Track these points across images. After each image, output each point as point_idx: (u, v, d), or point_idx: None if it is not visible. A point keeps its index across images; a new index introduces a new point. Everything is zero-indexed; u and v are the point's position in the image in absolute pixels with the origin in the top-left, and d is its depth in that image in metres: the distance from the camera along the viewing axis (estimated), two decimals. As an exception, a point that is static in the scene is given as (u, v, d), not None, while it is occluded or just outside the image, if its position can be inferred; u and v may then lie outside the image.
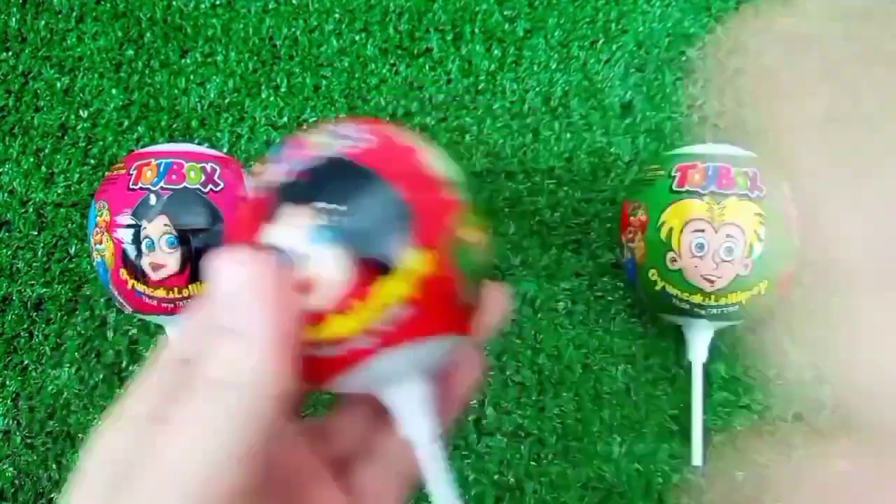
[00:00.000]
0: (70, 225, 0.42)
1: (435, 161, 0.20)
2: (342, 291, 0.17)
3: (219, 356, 0.17)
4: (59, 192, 0.42)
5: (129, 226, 0.33)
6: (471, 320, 0.20)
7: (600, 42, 0.45)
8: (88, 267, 0.41)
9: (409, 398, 0.20)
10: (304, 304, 0.18)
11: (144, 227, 0.33)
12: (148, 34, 0.45)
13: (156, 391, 0.18)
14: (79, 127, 0.43)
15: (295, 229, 0.18)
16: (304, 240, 0.17)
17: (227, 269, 0.17)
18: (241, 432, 0.16)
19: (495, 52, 0.45)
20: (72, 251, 0.41)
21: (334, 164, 0.18)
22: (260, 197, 0.19)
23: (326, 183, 0.18)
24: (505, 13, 0.46)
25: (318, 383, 0.19)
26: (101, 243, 0.34)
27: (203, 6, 0.46)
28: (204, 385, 0.16)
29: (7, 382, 0.39)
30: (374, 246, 0.17)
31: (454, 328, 0.19)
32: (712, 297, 0.34)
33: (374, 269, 0.17)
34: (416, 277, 0.18)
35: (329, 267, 0.17)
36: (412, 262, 0.18)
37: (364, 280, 0.17)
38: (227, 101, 0.44)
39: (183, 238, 0.33)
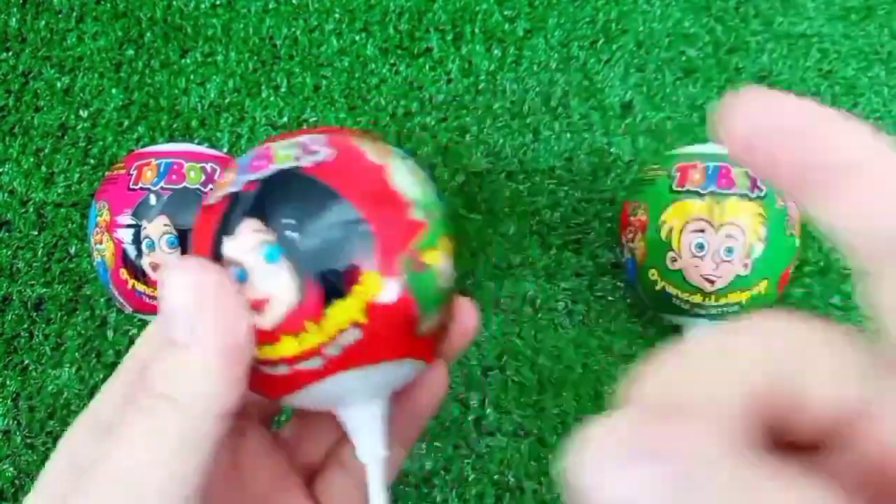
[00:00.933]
0: (70, 225, 0.42)
1: (402, 179, 0.19)
2: (293, 311, 0.17)
3: (162, 369, 0.16)
4: (59, 192, 0.42)
5: (129, 226, 0.33)
6: (432, 346, 0.19)
7: (600, 42, 0.45)
8: (88, 267, 0.41)
9: (360, 418, 0.19)
10: (255, 321, 0.17)
11: (144, 227, 0.33)
12: (148, 34, 0.45)
13: (116, 396, 0.17)
14: (79, 127, 0.43)
15: (249, 244, 0.17)
16: (258, 256, 0.17)
17: (177, 280, 0.17)
18: (182, 449, 0.16)
19: (495, 52, 0.45)
20: (72, 251, 0.41)
21: (293, 178, 0.18)
22: (219, 206, 0.18)
23: (284, 198, 0.17)
24: (505, 13, 0.46)
25: (270, 398, 0.19)
26: (101, 243, 0.34)
27: (203, 6, 0.46)
28: (144, 398, 0.16)
29: (7, 382, 0.39)
30: (328, 267, 0.17)
31: (410, 353, 0.18)
32: (712, 297, 0.34)
33: (326, 290, 0.17)
34: (371, 302, 0.17)
35: (281, 285, 0.17)
36: (367, 285, 0.17)
37: (316, 301, 0.17)
38: (227, 101, 0.44)
39: (183, 238, 0.33)
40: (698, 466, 0.09)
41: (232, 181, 0.18)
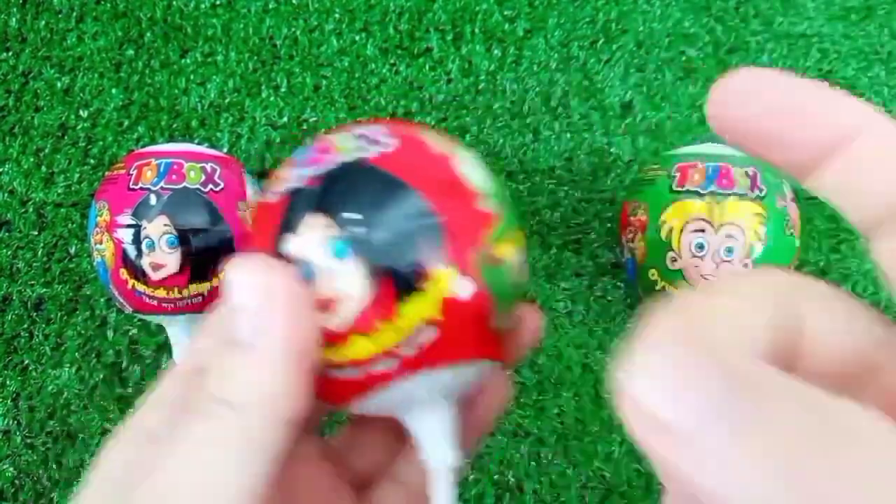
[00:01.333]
0: (70, 225, 0.42)
1: (470, 169, 0.18)
2: (363, 310, 0.16)
3: (227, 372, 0.15)
4: (59, 192, 0.42)
5: (129, 226, 0.33)
6: (504, 345, 0.18)
7: (600, 42, 0.45)
8: (88, 267, 0.41)
9: (430, 423, 0.18)
10: (324, 321, 0.16)
11: (144, 227, 0.33)
12: (148, 34, 0.45)
13: (164, 404, 0.16)
14: (79, 127, 0.43)
15: (316, 240, 0.16)
16: (326, 252, 0.16)
17: (244, 278, 0.16)
18: (244, 457, 0.15)
19: (495, 52, 0.45)
20: (72, 251, 0.41)
21: (360, 170, 0.17)
22: (281, 202, 0.17)
23: (351, 191, 0.16)
24: (505, 13, 0.46)
25: (336, 404, 0.18)
26: (101, 243, 0.34)
27: (203, 6, 0.46)
28: (207, 402, 0.15)
29: (7, 382, 0.39)
30: (399, 262, 0.16)
31: (484, 353, 0.18)
32: (712, 297, 0.34)
33: (398, 287, 0.16)
34: (446, 298, 0.16)
35: (350, 283, 0.16)
36: (442, 281, 0.16)
37: (387, 299, 0.16)
38: (227, 101, 0.44)
39: (183, 238, 0.33)
40: (745, 381, 0.09)
41: (291, 177, 0.17)
